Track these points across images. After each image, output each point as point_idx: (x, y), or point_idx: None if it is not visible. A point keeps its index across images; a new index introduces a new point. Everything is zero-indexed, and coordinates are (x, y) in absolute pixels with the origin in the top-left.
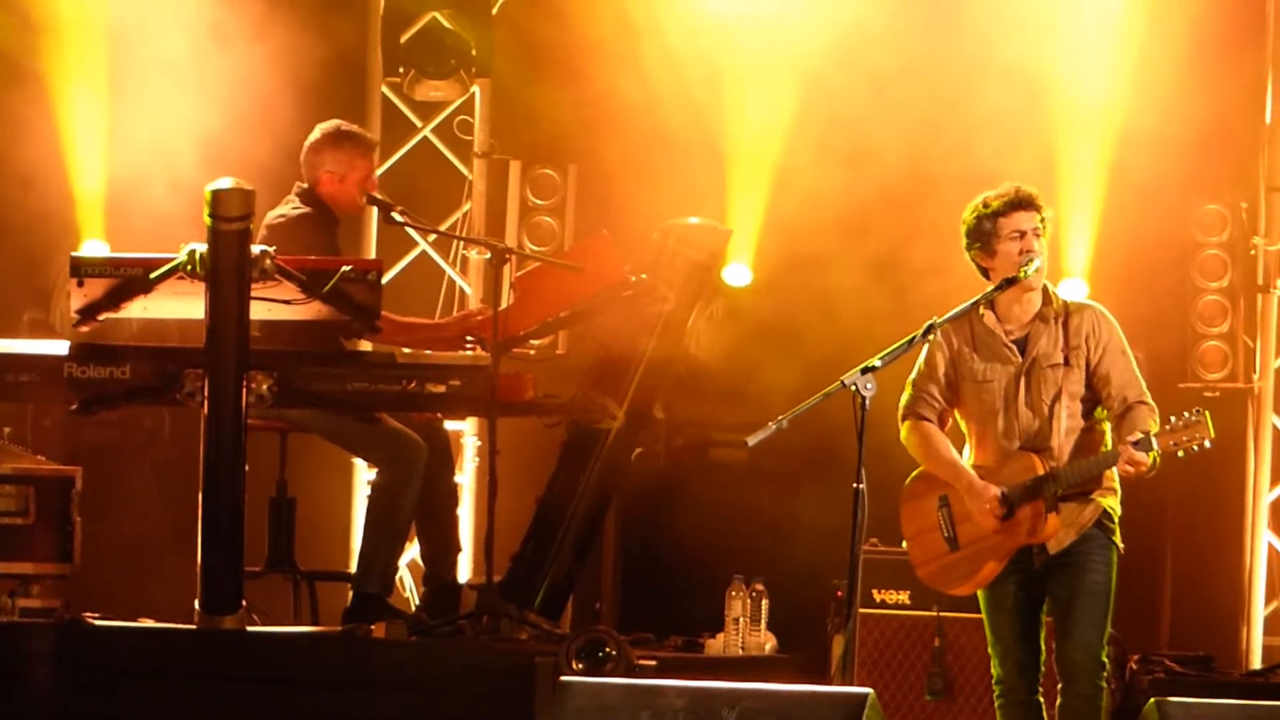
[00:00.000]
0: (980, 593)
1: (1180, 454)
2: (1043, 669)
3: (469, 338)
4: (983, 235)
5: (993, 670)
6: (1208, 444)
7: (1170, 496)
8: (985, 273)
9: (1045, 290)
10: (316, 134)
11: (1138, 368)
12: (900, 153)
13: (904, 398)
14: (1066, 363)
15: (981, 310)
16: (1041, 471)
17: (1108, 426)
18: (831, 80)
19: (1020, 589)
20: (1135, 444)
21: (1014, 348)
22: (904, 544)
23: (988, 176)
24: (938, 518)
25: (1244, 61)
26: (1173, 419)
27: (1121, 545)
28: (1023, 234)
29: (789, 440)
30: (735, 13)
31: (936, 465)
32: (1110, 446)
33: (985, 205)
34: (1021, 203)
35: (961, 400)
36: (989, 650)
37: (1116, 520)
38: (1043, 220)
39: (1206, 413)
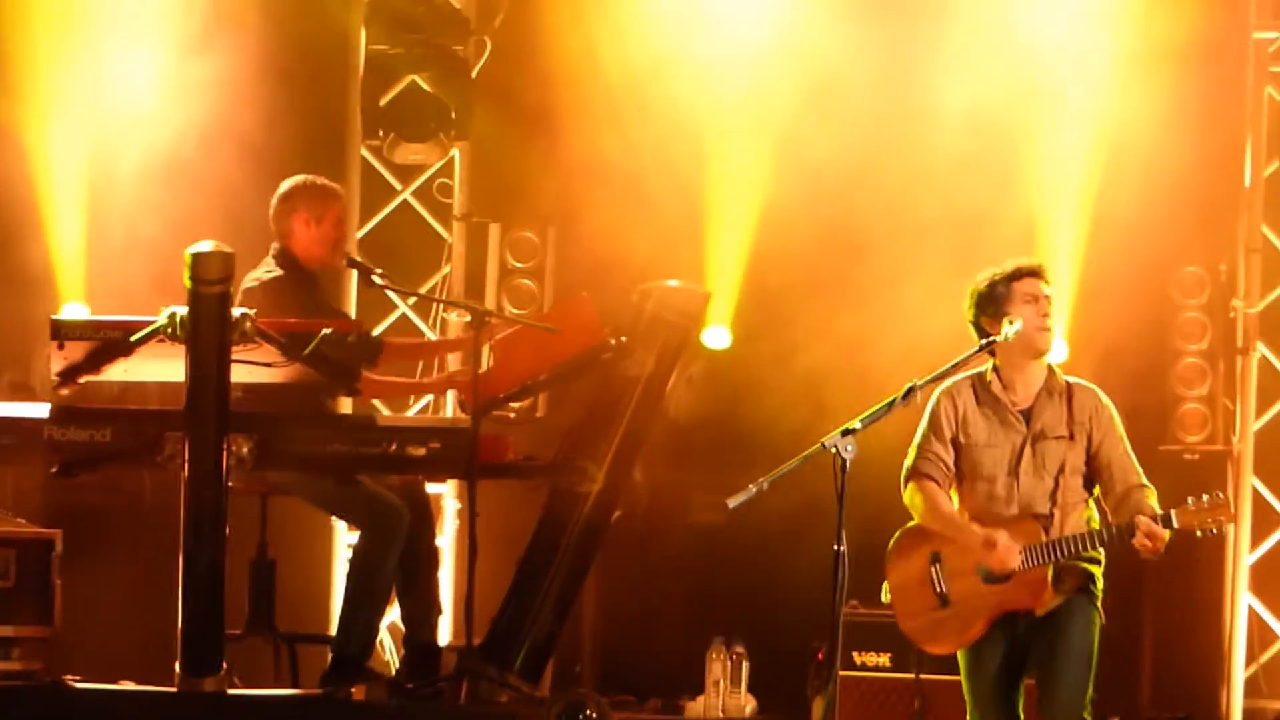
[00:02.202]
0: (961, 655)
1: (1199, 534)
2: None
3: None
4: (995, 300)
5: None
6: (1229, 527)
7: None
8: (989, 341)
9: (1050, 368)
10: (284, 187)
11: (1133, 452)
12: (879, 216)
13: (908, 460)
14: (1071, 437)
15: (988, 378)
16: (1046, 538)
17: (1094, 508)
18: (811, 143)
19: (1003, 654)
20: (1154, 518)
21: (1020, 417)
22: (886, 596)
23: (967, 239)
24: (930, 573)
25: (1222, 124)
26: (1192, 500)
27: (1103, 615)
28: (1036, 298)
29: (769, 502)
30: (715, 76)
31: (943, 524)
32: (1098, 526)
33: (992, 278)
34: (1035, 270)
35: (960, 463)
36: (968, 715)
37: (1099, 588)
38: (1048, 295)
39: (1230, 495)
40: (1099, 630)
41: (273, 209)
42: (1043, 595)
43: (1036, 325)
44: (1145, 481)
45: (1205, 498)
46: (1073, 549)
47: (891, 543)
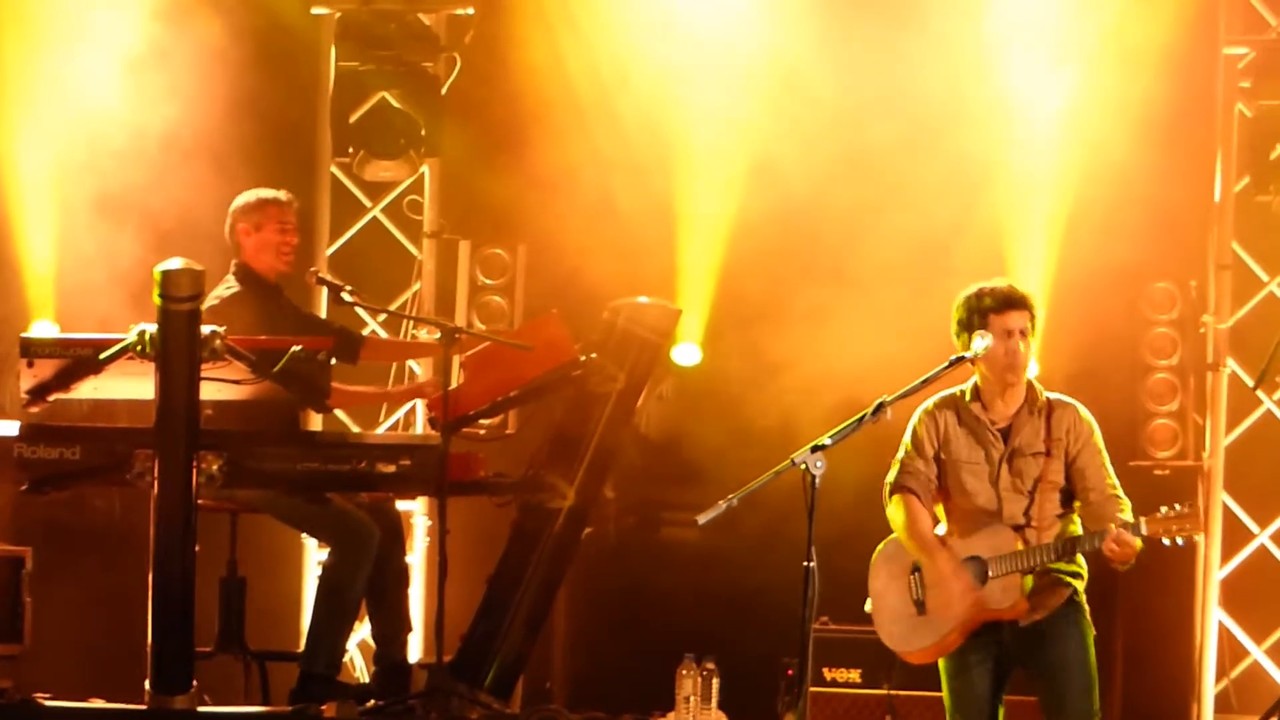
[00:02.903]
0: (942, 662)
1: (1167, 542)
2: None
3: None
4: (972, 328)
5: None
6: (1198, 537)
7: (1122, 574)
8: (957, 358)
9: (1031, 385)
10: (232, 205)
11: (1111, 465)
12: (849, 230)
13: (890, 474)
14: (1048, 453)
15: (967, 398)
16: (1022, 546)
17: (1078, 523)
18: (782, 158)
19: (988, 656)
20: (1124, 526)
21: (998, 435)
22: (868, 604)
23: (938, 258)
24: (909, 580)
25: (1192, 140)
26: (1164, 508)
27: (1093, 626)
28: (1010, 334)
29: (740, 519)
30: (686, 92)
31: (918, 542)
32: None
33: (979, 298)
34: (1015, 302)
35: (945, 479)
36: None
37: (1084, 600)
38: (1032, 320)
39: (1200, 505)
40: (1093, 641)
41: (226, 229)
42: (1016, 602)
43: (1004, 361)
44: (1120, 493)
45: (1176, 507)
46: (1044, 557)
47: (877, 550)
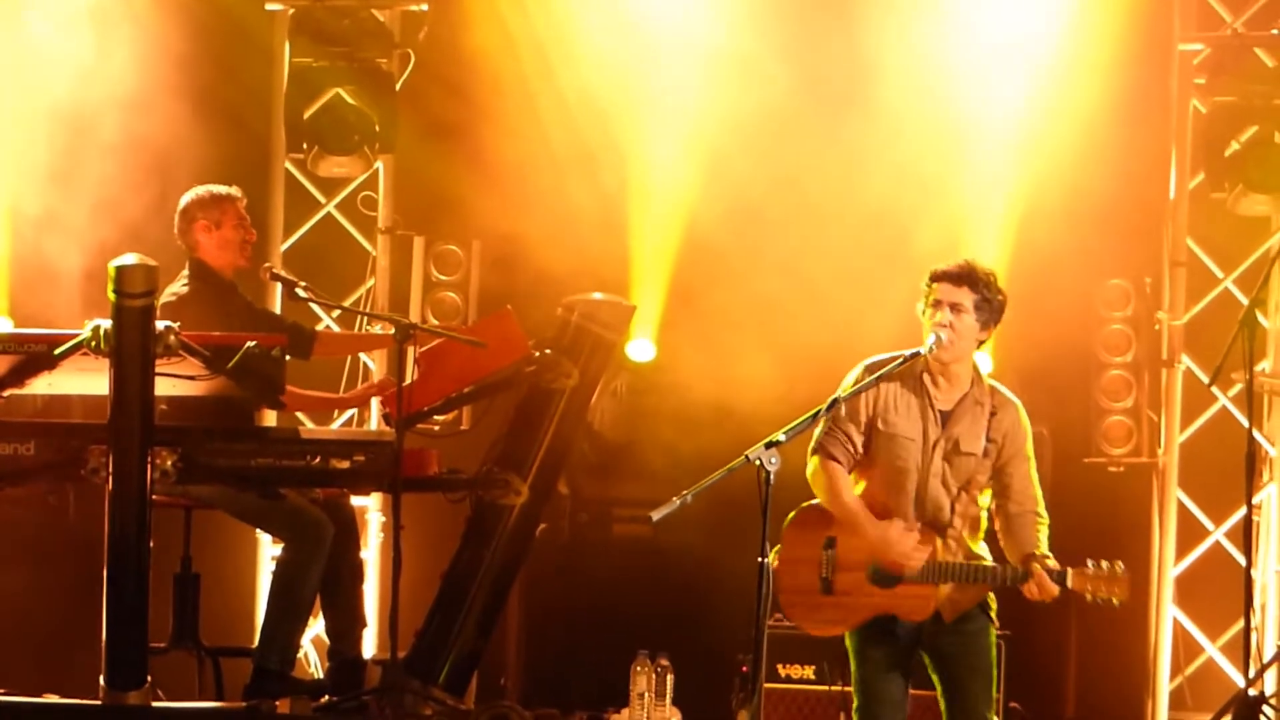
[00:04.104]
0: (849, 640)
1: (1089, 599)
2: None
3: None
4: (923, 299)
5: (857, 715)
6: (1116, 603)
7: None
8: (913, 353)
9: (976, 375)
10: (181, 204)
11: (1037, 473)
12: (803, 227)
13: (818, 431)
14: (984, 455)
15: (919, 368)
16: (948, 557)
17: (985, 510)
18: (735, 156)
19: (903, 633)
20: (1050, 571)
21: (939, 417)
22: (773, 560)
23: (894, 249)
24: (820, 556)
25: (1147, 137)
26: (1091, 565)
27: (997, 624)
28: (939, 305)
29: (693, 515)
30: (641, 89)
31: (843, 511)
32: (985, 529)
33: (930, 271)
34: (947, 275)
35: (873, 448)
36: (855, 702)
37: (993, 603)
38: (982, 300)
39: (1127, 573)
40: (996, 643)
41: (176, 227)
42: (920, 611)
43: (933, 332)
44: (1042, 511)
45: (1104, 565)
46: (965, 576)
47: (790, 515)
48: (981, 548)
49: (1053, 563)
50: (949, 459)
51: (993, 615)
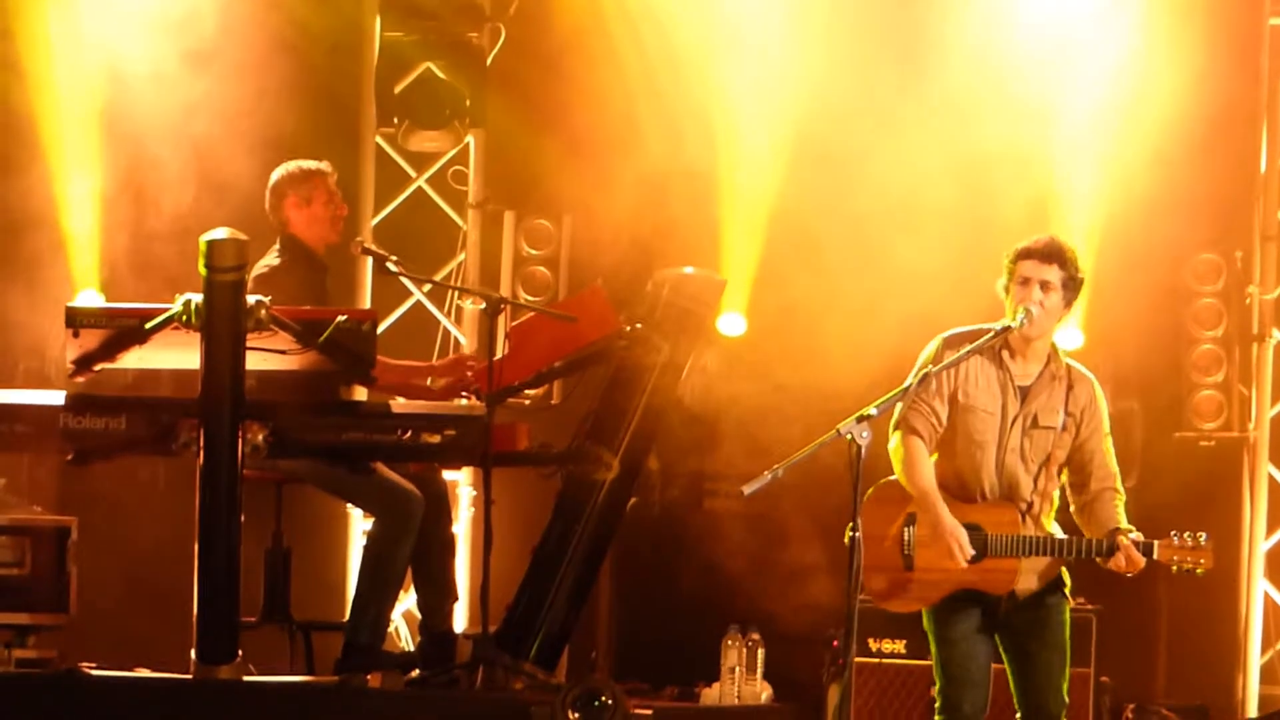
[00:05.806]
0: (928, 618)
1: (1174, 570)
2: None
3: (463, 393)
4: (1007, 276)
5: (939, 696)
6: (1200, 572)
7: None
8: (1004, 328)
9: (1054, 350)
10: (271, 180)
11: (1114, 449)
12: (893, 202)
13: (899, 406)
14: (1063, 428)
15: (1000, 344)
16: (1028, 532)
17: (1058, 491)
18: (826, 129)
19: (981, 613)
20: (1137, 544)
21: (1019, 392)
22: (849, 535)
23: (981, 225)
24: (902, 532)
25: (1239, 111)
26: (1176, 536)
27: (1071, 601)
28: (1026, 281)
29: (785, 489)
30: (730, 63)
31: (918, 492)
32: (1056, 509)
33: (1014, 249)
34: (1034, 252)
35: (954, 420)
36: (934, 675)
37: (1068, 579)
38: (1069, 278)
39: (1210, 542)
40: (1070, 620)
41: (267, 203)
42: (1005, 585)
43: (1023, 308)
44: (1119, 486)
45: (1189, 537)
46: (1045, 549)
47: (869, 491)
48: (1054, 526)
49: (1138, 535)
50: (1028, 434)
51: (1067, 592)
